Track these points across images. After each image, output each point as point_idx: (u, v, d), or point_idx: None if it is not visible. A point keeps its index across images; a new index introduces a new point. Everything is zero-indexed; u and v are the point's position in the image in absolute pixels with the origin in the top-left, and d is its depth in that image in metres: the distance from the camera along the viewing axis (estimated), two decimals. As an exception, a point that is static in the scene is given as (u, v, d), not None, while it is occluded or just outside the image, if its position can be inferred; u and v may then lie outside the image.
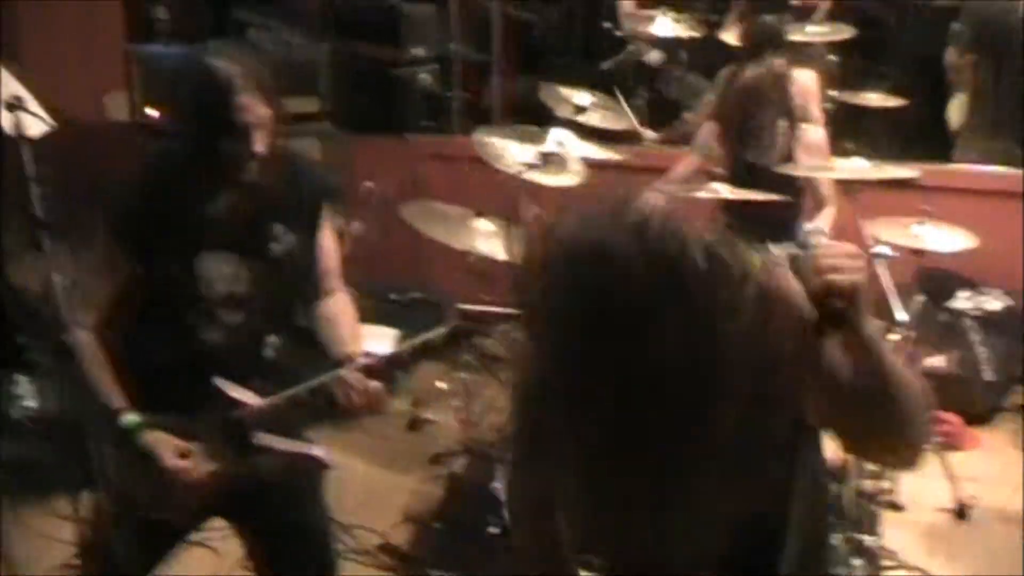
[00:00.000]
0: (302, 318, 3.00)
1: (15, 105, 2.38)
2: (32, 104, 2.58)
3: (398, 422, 5.35)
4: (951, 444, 4.85)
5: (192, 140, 2.67)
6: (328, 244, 3.01)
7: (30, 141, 2.38)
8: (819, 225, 4.76)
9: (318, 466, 2.94)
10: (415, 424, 5.28)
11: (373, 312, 5.81)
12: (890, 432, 1.76)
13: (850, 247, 1.70)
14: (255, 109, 2.65)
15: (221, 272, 2.77)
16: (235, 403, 2.76)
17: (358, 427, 5.30)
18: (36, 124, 2.61)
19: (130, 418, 2.69)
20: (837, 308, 1.67)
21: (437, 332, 2.82)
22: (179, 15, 6.59)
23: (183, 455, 2.73)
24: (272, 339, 2.89)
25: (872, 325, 1.70)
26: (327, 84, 5.32)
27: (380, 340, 5.47)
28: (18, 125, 2.35)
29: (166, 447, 2.71)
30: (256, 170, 2.68)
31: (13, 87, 2.59)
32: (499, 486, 3.73)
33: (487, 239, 4.50)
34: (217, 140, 2.62)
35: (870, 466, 4.48)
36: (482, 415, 5.13)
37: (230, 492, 2.83)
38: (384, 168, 6.20)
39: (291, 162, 2.87)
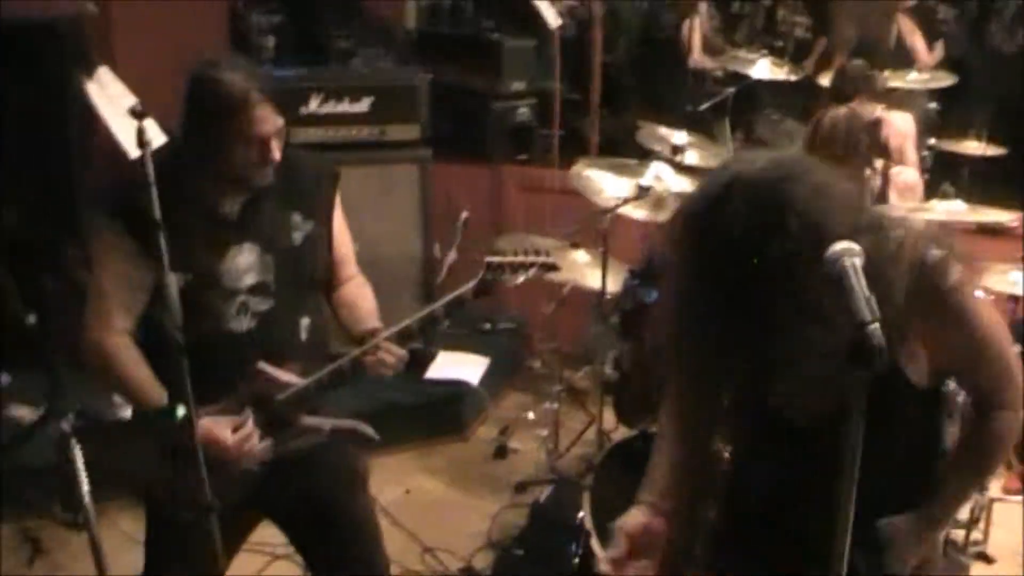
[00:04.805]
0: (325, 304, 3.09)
1: (139, 113, 2.45)
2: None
3: (485, 450, 5.38)
4: (1042, 496, 4.76)
5: (212, 151, 2.75)
6: (342, 230, 3.10)
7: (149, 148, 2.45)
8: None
9: (363, 439, 2.96)
10: (501, 452, 5.30)
11: (466, 341, 5.87)
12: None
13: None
14: (273, 120, 2.75)
15: (247, 264, 2.85)
16: (279, 385, 2.82)
17: (443, 452, 5.35)
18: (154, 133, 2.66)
19: (179, 410, 2.68)
20: None
21: (465, 288, 2.86)
22: (284, 42, 6.72)
23: (238, 430, 2.77)
24: (305, 322, 2.95)
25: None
26: (427, 112, 5.40)
27: (473, 368, 5.54)
28: (141, 132, 2.42)
29: (223, 427, 2.75)
30: (272, 173, 2.80)
31: (130, 97, 2.66)
32: (583, 516, 3.74)
33: (584, 271, 4.52)
34: (238, 150, 2.73)
35: (960, 516, 4.42)
36: (568, 446, 5.15)
37: (275, 482, 2.88)
38: (479, 197, 6.27)
39: (295, 155, 2.96)
